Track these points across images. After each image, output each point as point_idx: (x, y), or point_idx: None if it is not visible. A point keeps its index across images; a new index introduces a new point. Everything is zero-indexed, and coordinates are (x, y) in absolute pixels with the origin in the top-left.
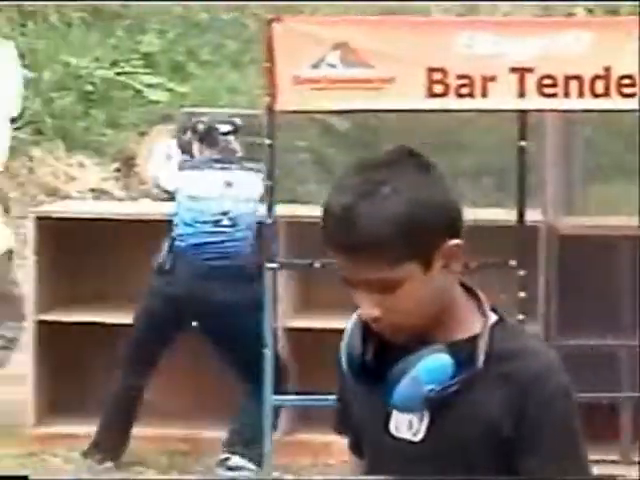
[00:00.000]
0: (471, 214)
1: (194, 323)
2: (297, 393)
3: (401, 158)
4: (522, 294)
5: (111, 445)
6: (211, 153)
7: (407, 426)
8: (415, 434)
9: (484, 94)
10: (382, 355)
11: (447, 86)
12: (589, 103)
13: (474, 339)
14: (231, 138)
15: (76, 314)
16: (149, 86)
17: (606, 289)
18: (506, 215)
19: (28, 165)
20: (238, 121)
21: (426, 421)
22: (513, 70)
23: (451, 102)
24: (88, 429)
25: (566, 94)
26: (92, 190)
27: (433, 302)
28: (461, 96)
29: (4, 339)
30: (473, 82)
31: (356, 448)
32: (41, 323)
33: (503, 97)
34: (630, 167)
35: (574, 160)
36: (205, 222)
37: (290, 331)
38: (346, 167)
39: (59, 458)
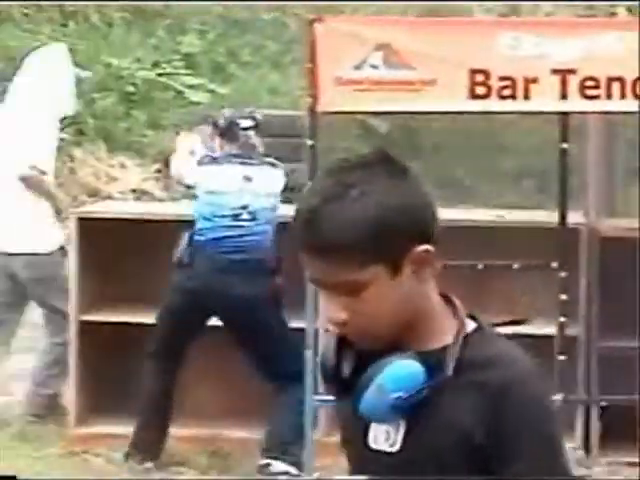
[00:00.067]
0: (512, 216)
1: (215, 318)
2: None
3: (374, 161)
4: (563, 296)
5: (149, 444)
6: (231, 148)
7: (384, 437)
8: (392, 445)
9: (526, 96)
10: (358, 366)
11: (489, 88)
12: (631, 105)
13: (447, 347)
14: (251, 133)
15: (117, 314)
16: (190, 87)
17: None
18: (548, 217)
19: (70, 166)
20: (258, 116)
21: (402, 431)
22: (555, 72)
23: (493, 104)
24: (129, 429)
25: (608, 96)
26: (133, 191)
27: (402, 308)
28: (503, 98)
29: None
30: (515, 84)
31: None
32: (83, 323)
33: (545, 99)
34: None
35: (616, 162)
36: (224, 216)
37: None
38: (321, 169)
39: (101, 458)
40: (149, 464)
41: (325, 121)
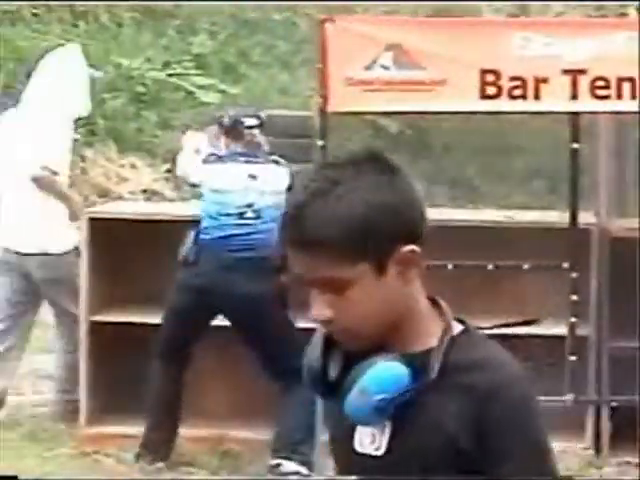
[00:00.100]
0: (523, 216)
1: (220, 316)
2: None
3: (363, 159)
4: (574, 297)
5: (159, 444)
6: (236, 146)
7: (370, 440)
8: (377, 448)
9: (537, 96)
10: (346, 369)
11: (500, 88)
12: None
13: (432, 350)
14: (256, 131)
15: (128, 315)
16: (201, 87)
17: None
18: (559, 218)
19: (81, 166)
20: (263, 115)
21: (387, 435)
22: (566, 72)
23: (503, 104)
24: (140, 429)
25: (619, 96)
26: (144, 191)
27: (388, 308)
28: (514, 98)
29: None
30: (526, 84)
31: None
32: (93, 323)
33: (556, 99)
34: None
35: (627, 162)
36: (229, 214)
37: None
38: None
39: (111, 458)
40: (160, 464)
41: (335, 121)
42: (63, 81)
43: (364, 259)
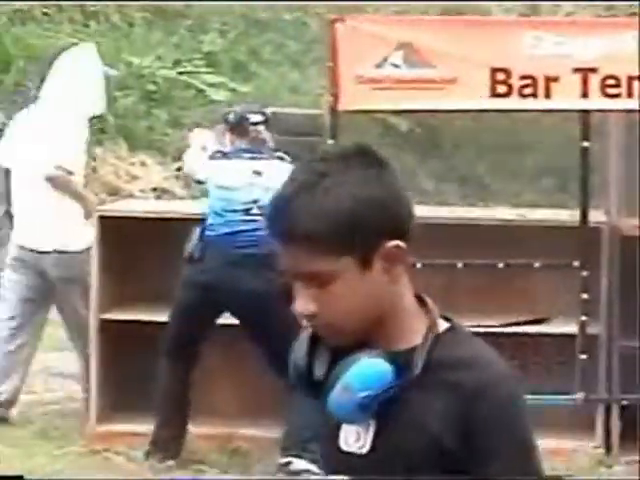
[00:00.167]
0: (534, 215)
1: (227, 313)
2: None
3: (351, 153)
4: (585, 295)
5: (169, 442)
6: (241, 143)
7: (355, 439)
8: (362, 447)
9: (547, 95)
10: (332, 366)
11: (510, 86)
12: None
13: (417, 347)
14: (261, 128)
15: (138, 313)
16: (211, 86)
17: None
18: (569, 216)
19: (91, 164)
20: (268, 111)
21: (372, 433)
22: (576, 70)
23: (514, 102)
24: (150, 427)
25: (629, 94)
26: (154, 189)
27: (372, 304)
28: (524, 96)
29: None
30: (536, 82)
31: None
32: (103, 322)
33: (566, 97)
34: None
35: (637, 160)
36: (235, 211)
37: None
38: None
39: (121, 456)
40: (170, 462)
41: (346, 120)
42: (78, 80)
43: (349, 253)
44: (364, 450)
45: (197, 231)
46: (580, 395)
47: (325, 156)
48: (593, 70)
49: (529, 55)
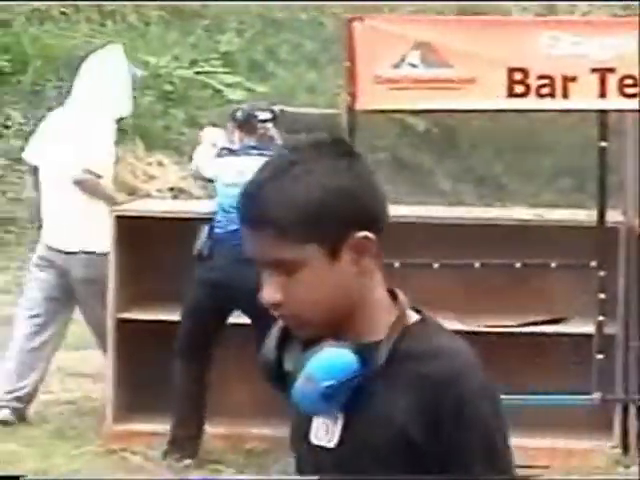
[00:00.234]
0: (551, 215)
1: (237, 310)
2: None
3: (324, 143)
4: (602, 295)
5: (186, 440)
6: (250, 140)
7: (324, 432)
8: (330, 441)
9: (565, 95)
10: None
11: (528, 86)
12: None
13: (383, 338)
14: (269, 125)
15: (155, 312)
16: (228, 85)
17: None
18: (586, 216)
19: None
20: (276, 109)
21: (340, 426)
22: (594, 70)
23: (531, 102)
24: (167, 426)
25: None
26: (171, 189)
27: (340, 295)
28: (542, 96)
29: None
30: (554, 82)
31: None
32: (120, 321)
33: (584, 97)
34: None
35: None
36: None
37: None
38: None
39: (138, 456)
40: (187, 461)
41: (363, 119)
42: (106, 82)
43: (316, 241)
44: (332, 444)
45: (206, 229)
46: (597, 395)
47: (297, 145)
48: (611, 70)
49: (546, 55)
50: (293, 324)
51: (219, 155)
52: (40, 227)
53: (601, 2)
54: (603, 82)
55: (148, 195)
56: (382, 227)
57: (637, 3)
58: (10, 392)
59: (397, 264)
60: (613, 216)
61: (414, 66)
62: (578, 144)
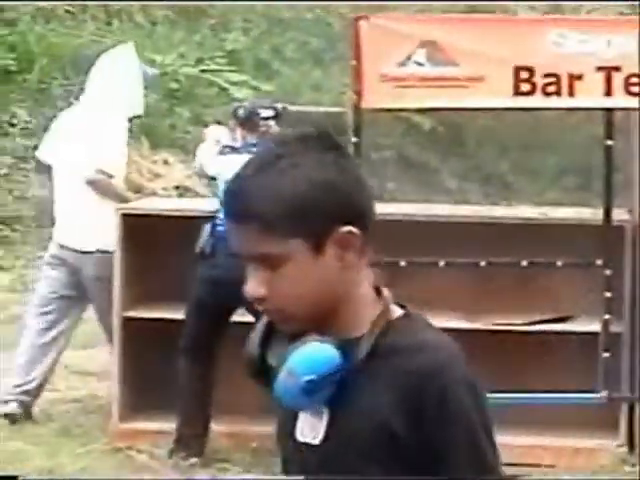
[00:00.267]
0: (557, 213)
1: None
2: None
3: (311, 137)
4: (608, 294)
5: (192, 439)
6: (252, 138)
7: (310, 428)
8: (315, 437)
9: (571, 93)
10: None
11: (534, 85)
12: None
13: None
14: (272, 123)
15: (161, 311)
16: (233, 84)
17: None
18: (592, 215)
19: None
20: (279, 106)
21: (325, 422)
22: (600, 69)
23: (537, 101)
24: (173, 425)
25: None
26: (176, 187)
27: (324, 290)
28: (548, 95)
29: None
30: (560, 81)
31: None
32: (126, 319)
33: (590, 96)
34: None
35: None
36: None
37: None
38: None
39: (144, 454)
40: (193, 460)
41: (369, 118)
42: (118, 81)
43: (300, 236)
44: (317, 440)
45: (208, 227)
46: (603, 394)
47: (284, 139)
48: (617, 68)
49: (553, 53)
50: (277, 318)
51: (221, 153)
52: (41, 226)
53: (607, 2)
54: (609, 80)
55: (154, 193)
56: (368, 223)
57: (637, 3)
58: (19, 385)
59: (403, 263)
60: (619, 214)
61: (420, 64)
62: (584, 142)
